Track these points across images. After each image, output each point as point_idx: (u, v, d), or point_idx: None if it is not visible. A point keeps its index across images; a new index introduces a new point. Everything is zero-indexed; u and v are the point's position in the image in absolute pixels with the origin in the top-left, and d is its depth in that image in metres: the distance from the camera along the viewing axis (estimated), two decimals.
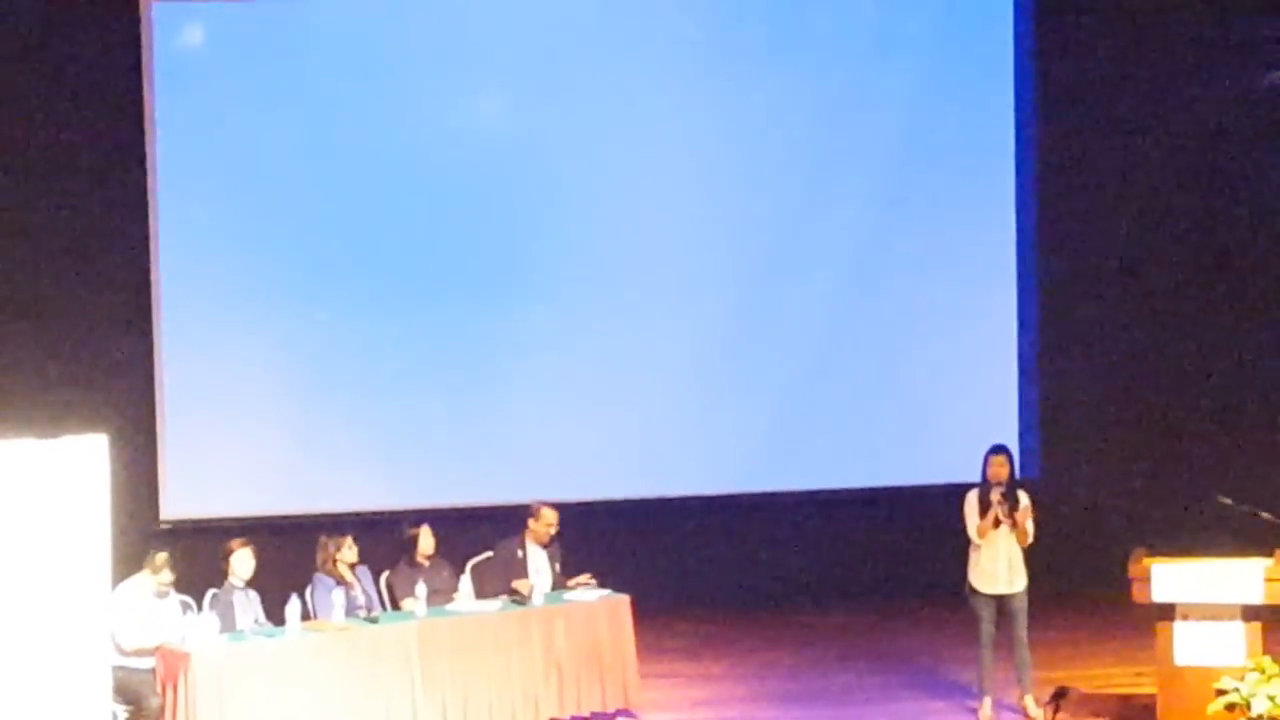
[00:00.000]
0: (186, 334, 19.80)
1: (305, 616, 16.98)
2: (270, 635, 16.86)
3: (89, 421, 16.95)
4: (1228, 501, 17.27)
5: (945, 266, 20.87)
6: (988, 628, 17.23)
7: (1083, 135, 20.40)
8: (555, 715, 17.63)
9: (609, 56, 19.80)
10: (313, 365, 19.98)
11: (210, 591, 17.08)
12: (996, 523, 17.06)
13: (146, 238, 19.67)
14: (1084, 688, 16.88)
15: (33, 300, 19.00)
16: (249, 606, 17.11)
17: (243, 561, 17.04)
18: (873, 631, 19.23)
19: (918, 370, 20.70)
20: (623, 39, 19.70)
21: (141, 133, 19.55)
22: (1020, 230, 20.91)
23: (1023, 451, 19.23)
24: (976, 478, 17.34)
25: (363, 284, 20.02)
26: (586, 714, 17.68)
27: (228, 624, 16.82)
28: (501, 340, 20.16)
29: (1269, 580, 16.56)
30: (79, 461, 16.23)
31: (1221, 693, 16.09)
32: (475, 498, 19.13)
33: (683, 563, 19.55)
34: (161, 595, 16.91)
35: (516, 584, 17.66)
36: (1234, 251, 19.62)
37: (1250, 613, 16.63)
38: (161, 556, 16.93)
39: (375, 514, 18.79)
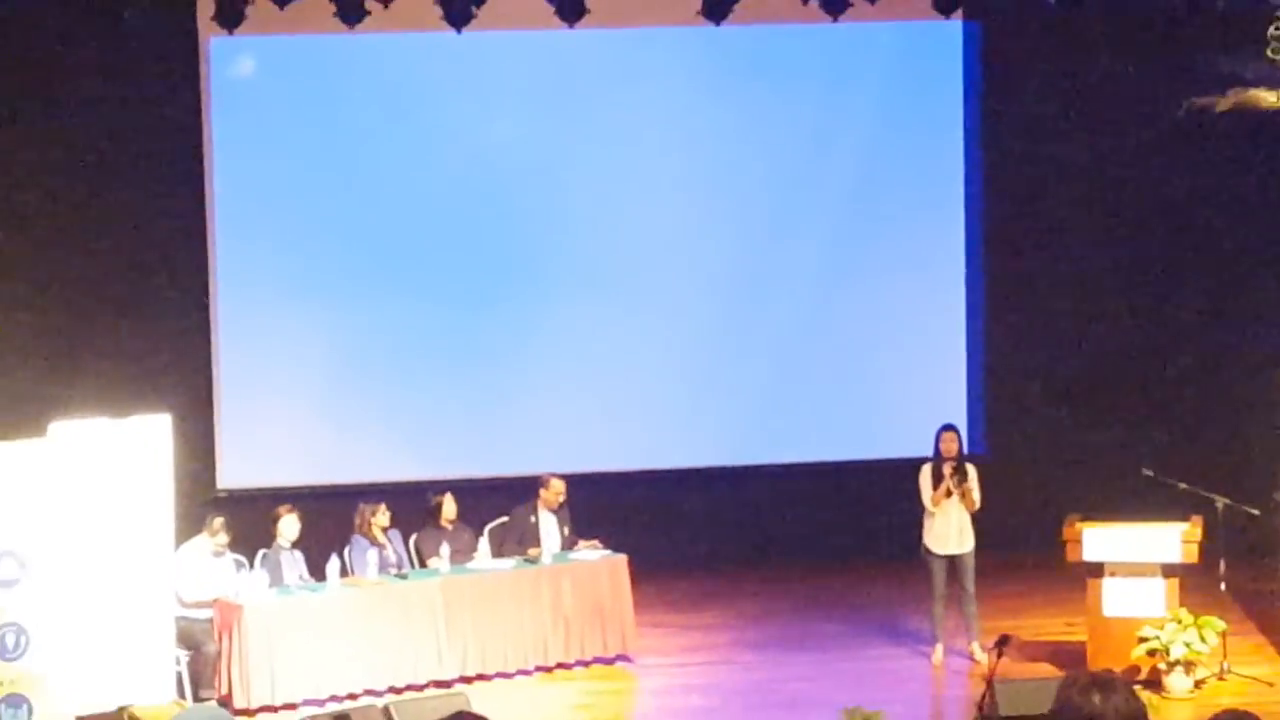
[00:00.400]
0: (240, 327, 19.89)
1: (344, 573, 17.22)
2: (313, 590, 17.16)
3: (156, 403, 17.19)
4: (1150, 473, 17.38)
5: (903, 268, 20.88)
6: (940, 584, 17.43)
7: (1024, 153, 20.39)
8: (562, 660, 17.74)
9: (609, 91, 19.88)
10: (351, 355, 19.99)
11: (260, 552, 17.29)
12: (948, 492, 17.23)
13: (205, 244, 19.66)
14: (1023, 636, 16.73)
15: (107, 297, 19.01)
16: (294, 565, 17.32)
17: (289, 525, 17.24)
18: (841, 588, 19.28)
19: (881, 360, 20.74)
20: (621, 77, 19.83)
21: (201, 147, 19.53)
22: (969, 237, 20.92)
23: (970, 429, 19.35)
24: (930, 452, 17.43)
25: (395, 284, 20.05)
26: (589, 658, 17.81)
27: (276, 580, 17.07)
28: (517, 335, 20.18)
29: (1185, 542, 16.74)
30: (147, 438, 16.35)
31: (1143, 640, 16.34)
32: (493, 469, 19.18)
33: (674, 527, 19.51)
34: (218, 555, 17.08)
35: (530, 552, 17.82)
36: (1155, 254, 19.70)
37: (1169, 570, 16.82)
38: (218, 521, 17.13)
39: (405, 484, 18.80)
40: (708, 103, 20.22)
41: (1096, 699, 7.02)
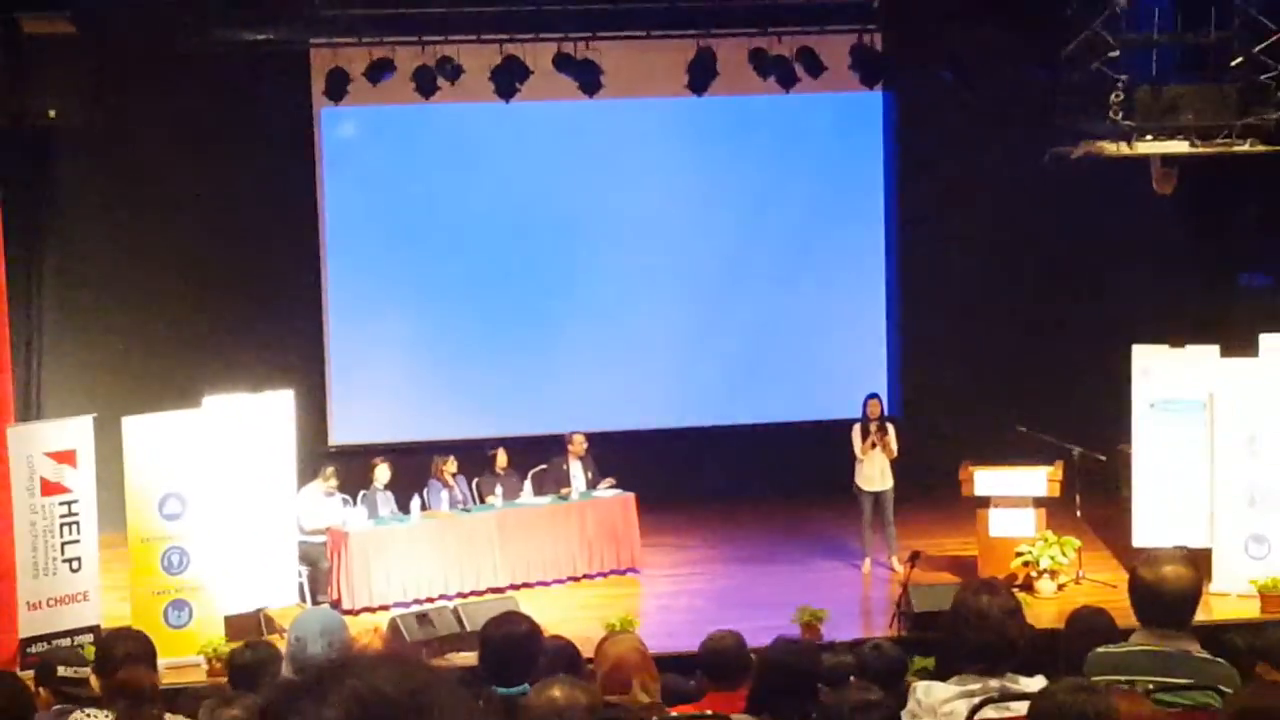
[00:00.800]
0: (344, 325, 20.13)
1: (423, 508, 17.55)
2: (400, 521, 17.59)
3: (283, 382, 17.42)
4: (1024, 429, 17.63)
5: (841, 280, 21.02)
6: (867, 514, 17.87)
7: (929, 189, 20.59)
8: (586, 572, 18.06)
9: (618, 145, 19.94)
10: (427, 345, 20.24)
11: (360, 492, 17.66)
12: (873, 445, 17.65)
13: (319, 263, 19.91)
14: (930, 553, 17.17)
15: (247, 300, 19.17)
16: (386, 502, 17.69)
17: (382, 472, 17.64)
18: (795, 518, 19.49)
19: (825, 348, 20.78)
20: (627, 135, 19.82)
21: (315, 187, 19.74)
22: (888, 256, 21.09)
23: (889, 397, 19.33)
24: (859, 414, 17.83)
25: (459, 292, 20.24)
26: (606, 570, 18.14)
27: (372, 513, 17.54)
28: (551, 330, 20.37)
29: (1050, 480, 17.18)
30: (276, 408, 16.88)
31: (1019, 554, 16.86)
32: (534, 429, 19.24)
33: (671, 472, 19.59)
34: (329, 495, 17.40)
35: (563, 491, 18.21)
36: (1030, 264, 19.84)
37: (1038, 502, 17.29)
38: (329, 469, 17.49)
39: (468, 440, 18.94)
40: (692, 152, 20.38)
41: (984, 599, 7.53)
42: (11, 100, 15.69)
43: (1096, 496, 18.43)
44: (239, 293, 19.21)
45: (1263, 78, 12.84)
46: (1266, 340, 16.92)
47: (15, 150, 16.60)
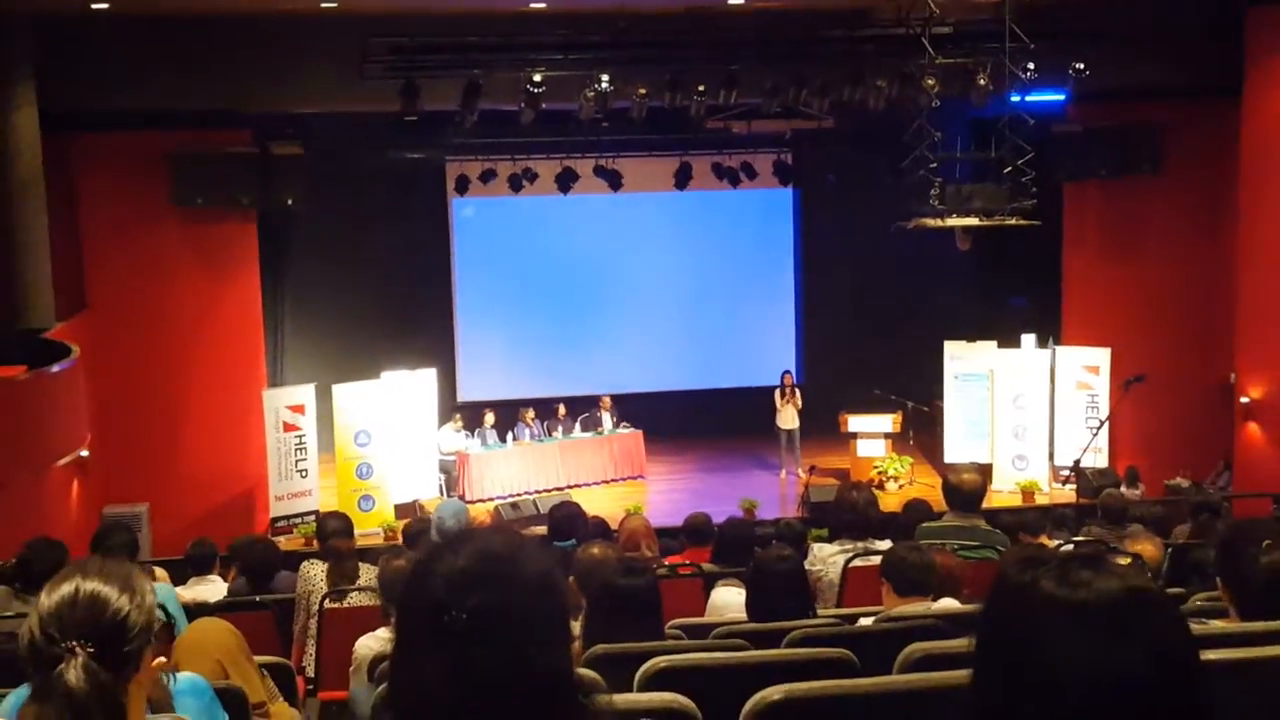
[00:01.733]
0: (467, 326, 19.90)
1: (514, 440, 17.54)
2: (500, 447, 17.55)
3: (430, 361, 17.47)
4: (878, 392, 17.51)
5: (768, 295, 20.81)
6: (783, 444, 17.99)
7: (822, 247, 20.24)
8: (612, 477, 17.96)
9: (631, 217, 19.66)
10: (516, 339, 19.90)
11: (477, 430, 17.48)
12: (787, 401, 17.65)
13: (451, 290, 19.74)
14: (821, 466, 17.00)
15: (406, 307, 19.03)
16: (491, 436, 17.56)
17: (489, 418, 17.63)
18: (740, 446, 19.12)
19: (757, 341, 20.52)
20: (638, 212, 19.49)
21: (449, 243, 19.63)
22: (795, 280, 20.88)
23: (797, 370, 19.26)
24: (778, 381, 17.80)
25: (537, 308, 19.96)
26: (624, 476, 18.03)
27: (483, 443, 17.47)
28: (592, 334, 20.15)
29: (894, 422, 17.38)
30: (424, 379, 16.88)
31: (875, 467, 16.95)
32: (581, 391, 18.94)
33: (664, 418, 19.13)
34: (457, 431, 17.34)
35: (598, 430, 18.16)
36: (891, 287, 19.52)
37: (887, 436, 17.33)
38: (457, 415, 17.58)
39: (542, 398, 18.63)
40: (677, 223, 20.12)
41: (854, 493, 7.61)
42: (266, 194, 15.85)
43: (922, 432, 18.39)
44: (403, 307, 19.00)
45: (1023, 180, 12.78)
46: (1024, 339, 17.33)
47: (268, 222, 16.72)
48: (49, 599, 2.34)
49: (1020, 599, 1.74)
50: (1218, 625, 3.80)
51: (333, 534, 8.10)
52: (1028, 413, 16.93)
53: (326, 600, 7.09)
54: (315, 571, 7.55)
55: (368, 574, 7.44)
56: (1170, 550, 7.85)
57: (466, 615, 1.75)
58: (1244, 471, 15.78)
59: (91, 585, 2.35)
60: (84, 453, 14.21)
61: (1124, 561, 6.91)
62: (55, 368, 12.89)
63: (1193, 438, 16.60)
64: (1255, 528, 4.20)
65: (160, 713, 2.78)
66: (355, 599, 7.10)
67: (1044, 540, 8.40)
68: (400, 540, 11.81)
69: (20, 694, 2.50)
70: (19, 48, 14.07)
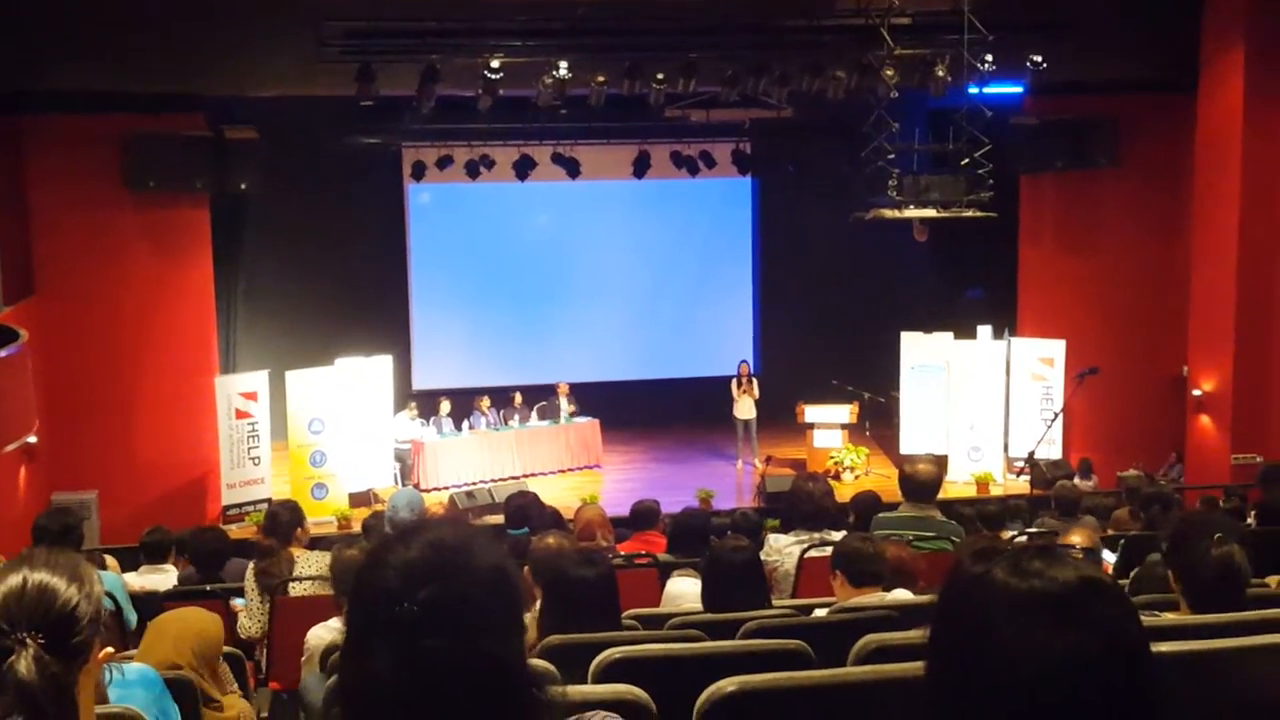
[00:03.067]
0: (422, 312, 19.90)
1: (470, 428, 17.47)
2: (455, 436, 17.42)
3: (386, 348, 17.28)
4: (836, 382, 17.66)
5: (726, 285, 20.91)
6: (739, 434, 17.93)
7: (783, 234, 20.25)
8: (569, 466, 17.89)
9: (590, 206, 19.71)
10: (473, 326, 19.90)
11: (431, 418, 17.39)
12: (744, 391, 17.67)
13: (406, 276, 19.71)
14: (778, 456, 17.21)
15: (360, 292, 18.85)
16: (447, 424, 17.48)
17: (445, 407, 17.52)
18: (696, 435, 19.19)
19: (717, 331, 20.59)
20: (595, 200, 19.49)
21: (404, 228, 19.58)
22: (754, 270, 20.91)
23: (754, 361, 19.23)
24: (735, 372, 17.82)
25: (494, 295, 19.94)
26: (580, 465, 17.99)
27: (439, 431, 17.34)
28: (548, 322, 20.10)
29: (851, 413, 17.33)
30: (379, 366, 16.71)
31: (832, 458, 16.99)
32: (538, 380, 18.84)
33: (620, 406, 19.23)
34: (412, 419, 17.29)
35: (559, 417, 18.12)
36: (845, 280, 19.48)
37: (844, 426, 17.33)
38: (412, 403, 17.54)
39: (498, 387, 18.58)
40: (635, 212, 20.18)
41: (810, 484, 7.59)
42: (220, 178, 15.75)
43: (879, 423, 18.43)
44: (358, 294, 18.86)
45: (980, 172, 12.87)
46: (980, 331, 17.39)
47: (221, 206, 16.53)
48: None
49: (975, 589, 1.76)
50: (1169, 617, 3.85)
51: (283, 524, 8.06)
52: (983, 404, 17.02)
53: (278, 590, 7.04)
54: (254, 565, 7.49)
55: (320, 562, 7.39)
56: (1121, 540, 7.95)
57: (418, 606, 1.75)
58: (1195, 464, 15.96)
59: (39, 576, 2.35)
60: (32, 439, 14.00)
61: (1077, 553, 6.99)
62: (1, 353, 12.78)
63: (1145, 430, 16.74)
64: (1206, 521, 4.29)
65: (100, 703, 2.76)
66: (304, 588, 7.05)
67: (1003, 534, 8.48)
68: (355, 529, 11.74)
69: None
70: None
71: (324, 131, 17.13)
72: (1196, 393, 15.84)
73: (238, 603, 7.34)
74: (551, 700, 1.86)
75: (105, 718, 2.70)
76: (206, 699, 4.84)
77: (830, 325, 19.44)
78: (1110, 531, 8.80)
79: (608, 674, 3.13)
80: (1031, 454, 15.20)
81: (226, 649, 5.70)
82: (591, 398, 18.78)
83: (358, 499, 15.90)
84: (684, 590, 6.21)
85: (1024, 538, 8.43)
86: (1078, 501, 9.91)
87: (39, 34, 14.47)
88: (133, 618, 6.70)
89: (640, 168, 18.39)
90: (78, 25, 14.46)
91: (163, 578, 8.31)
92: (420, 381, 19.32)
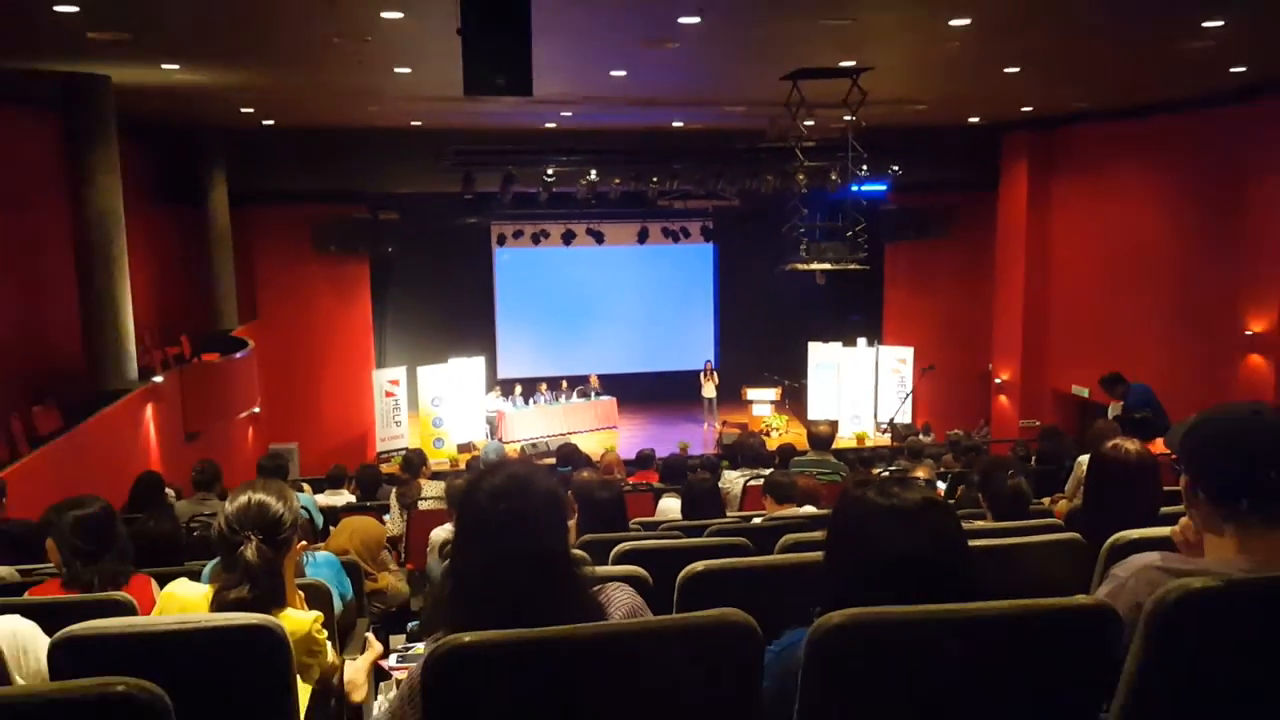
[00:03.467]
0: (504, 330, 19.44)
1: (534, 403, 17.11)
2: (525, 408, 17.02)
3: (476, 350, 17.05)
4: (766, 374, 17.44)
5: (695, 312, 20.20)
6: (705, 407, 17.45)
7: (736, 281, 19.80)
8: (595, 427, 17.25)
9: (609, 259, 19.09)
10: (536, 338, 19.42)
11: (509, 396, 17.06)
12: (708, 380, 17.31)
13: (493, 306, 19.30)
14: (730, 420, 16.70)
15: (468, 320, 18.39)
16: (519, 401, 17.07)
17: (518, 389, 17.17)
18: (676, 408, 18.50)
19: (687, 332, 19.81)
20: (614, 257, 18.89)
21: (491, 277, 19.18)
22: (715, 302, 20.40)
23: (715, 358, 18.85)
24: (702, 365, 17.48)
25: (550, 315, 19.47)
26: (603, 427, 17.34)
27: (514, 405, 16.93)
28: (584, 334, 19.53)
29: (778, 393, 16.99)
30: (475, 364, 16.39)
31: (765, 423, 16.57)
32: (577, 372, 18.38)
33: (629, 389, 18.71)
34: (497, 397, 16.95)
35: (591, 395, 17.77)
36: (784, 304, 18.58)
37: (773, 403, 17.08)
38: (497, 387, 17.14)
39: (552, 376, 18.16)
40: (639, 264, 19.58)
41: (751, 439, 7.57)
42: (375, 244, 15.82)
43: (794, 400, 18.06)
44: (462, 318, 18.44)
45: (859, 240, 12.73)
46: (859, 341, 17.24)
47: (375, 262, 16.47)
48: (232, 505, 2.37)
49: (855, 505, 1.77)
50: (979, 524, 3.83)
51: (415, 464, 8.06)
52: (860, 388, 16.90)
53: (412, 506, 7.03)
54: (397, 489, 7.48)
55: (438, 488, 7.37)
56: (949, 475, 7.88)
57: (499, 516, 1.76)
58: (996, 426, 15.99)
59: (258, 496, 2.38)
60: (256, 409, 14.14)
61: (921, 481, 6.95)
62: (238, 355, 12.95)
63: (964, 405, 16.71)
64: (1003, 463, 4.27)
65: (298, 577, 2.77)
66: (428, 505, 7.04)
67: (873, 470, 8.43)
68: (461, 467, 11.64)
69: (212, 564, 2.55)
70: (214, 149, 14.20)
71: (441, 214, 16.92)
72: (998, 381, 15.90)
73: (386, 517, 7.32)
74: (585, 575, 1.86)
75: (302, 586, 2.70)
76: (367, 574, 4.85)
77: (764, 337, 19.09)
78: (942, 469, 8.73)
79: (621, 559, 3.10)
80: (891, 419, 15.27)
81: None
82: (611, 383, 18.46)
83: (463, 448, 15.78)
84: (670, 506, 6.17)
85: (886, 473, 8.37)
86: (921, 450, 9.82)
87: (263, 156, 14.64)
88: (320, 523, 6.69)
89: (642, 237, 18.09)
90: (288, 150, 14.61)
91: (339, 498, 8.28)
92: (502, 373, 18.95)
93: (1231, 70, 9.70)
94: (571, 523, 4.09)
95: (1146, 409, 8.49)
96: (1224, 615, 1.56)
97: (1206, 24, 7.48)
